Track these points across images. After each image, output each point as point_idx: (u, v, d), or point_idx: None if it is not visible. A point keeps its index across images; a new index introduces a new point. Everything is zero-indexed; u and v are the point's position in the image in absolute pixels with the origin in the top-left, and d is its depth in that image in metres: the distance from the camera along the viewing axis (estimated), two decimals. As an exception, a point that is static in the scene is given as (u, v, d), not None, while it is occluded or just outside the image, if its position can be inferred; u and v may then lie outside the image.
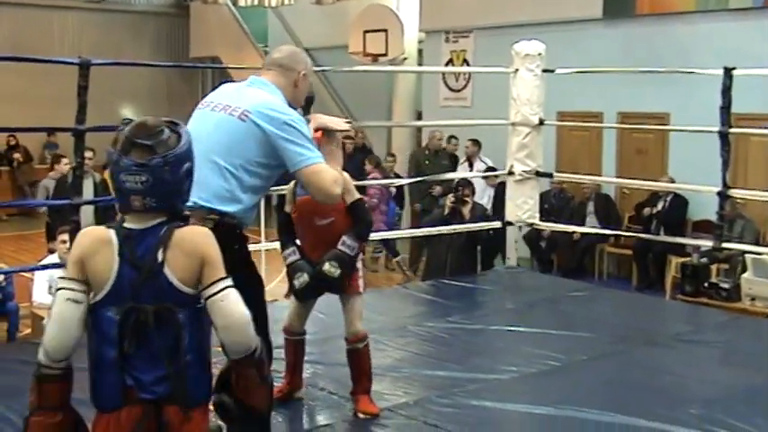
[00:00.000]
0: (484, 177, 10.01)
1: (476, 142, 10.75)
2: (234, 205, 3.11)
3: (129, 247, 2.45)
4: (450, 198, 7.46)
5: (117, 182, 2.47)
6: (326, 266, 3.81)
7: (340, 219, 3.87)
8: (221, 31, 16.63)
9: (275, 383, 4.18)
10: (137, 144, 2.44)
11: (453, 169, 10.91)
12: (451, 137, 11.53)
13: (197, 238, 2.51)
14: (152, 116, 2.55)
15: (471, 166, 10.76)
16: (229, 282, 2.49)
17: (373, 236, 8.37)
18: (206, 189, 3.06)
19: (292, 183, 3.94)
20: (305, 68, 3.42)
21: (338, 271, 3.81)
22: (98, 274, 2.45)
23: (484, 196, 10.22)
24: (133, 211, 2.47)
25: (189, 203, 2.96)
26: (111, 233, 2.47)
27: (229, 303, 2.47)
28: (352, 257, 3.88)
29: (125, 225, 2.48)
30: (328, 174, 3.21)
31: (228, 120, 3.16)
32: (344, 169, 3.98)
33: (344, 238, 3.85)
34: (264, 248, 7.05)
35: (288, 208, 3.99)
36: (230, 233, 3.08)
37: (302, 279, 3.86)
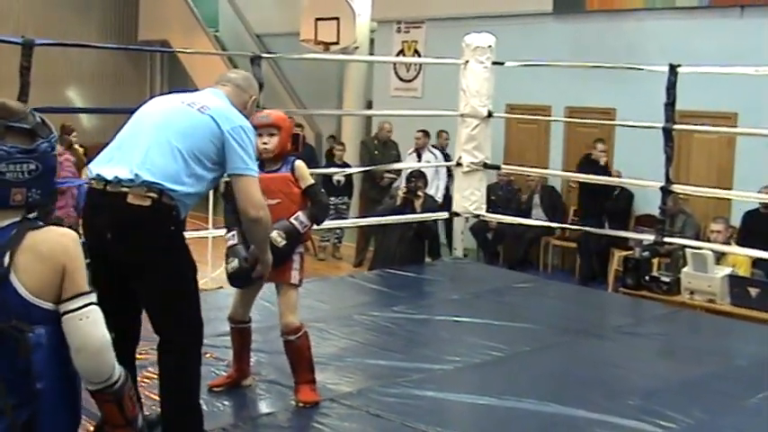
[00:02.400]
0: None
1: (425, 133, 10.77)
2: (177, 186, 3.10)
3: None
4: (403, 189, 7.46)
5: None
6: (274, 234, 3.76)
7: (286, 202, 3.89)
8: (171, 14, 16.40)
9: (222, 372, 4.20)
10: (13, 129, 2.10)
11: (399, 160, 10.94)
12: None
13: (58, 240, 2.14)
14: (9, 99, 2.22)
15: (420, 156, 10.78)
16: (93, 298, 2.15)
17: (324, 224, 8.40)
18: (152, 165, 3.08)
19: None
20: (255, 94, 3.56)
21: (284, 242, 3.82)
22: None
23: (432, 186, 10.25)
24: (5, 208, 2.12)
25: (130, 177, 3.00)
26: None
27: (88, 324, 2.11)
28: (300, 235, 3.90)
29: None
30: (260, 194, 3.30)
31: (188, 110, 3.25)
32: (299, 157, 4.03)
33: (299, 213, 3.88)
34: (212, 236, 7.01)
35: None
36: (167, 213, 3.08)
37: (232, 264, 3.81)
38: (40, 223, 2.17)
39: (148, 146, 3.12)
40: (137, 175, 3.03)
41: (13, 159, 2.08)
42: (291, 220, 3.86)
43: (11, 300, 2.07)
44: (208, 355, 4.44)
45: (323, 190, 4.15)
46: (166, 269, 3.00)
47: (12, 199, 2.11)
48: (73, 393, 2.19)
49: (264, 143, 3.86)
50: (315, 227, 4.11)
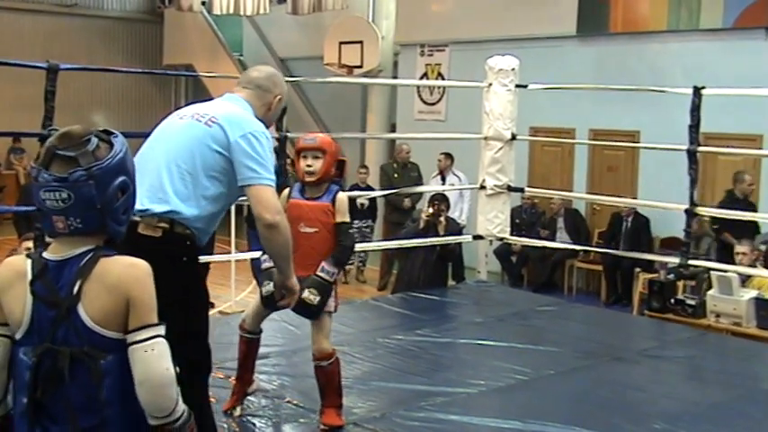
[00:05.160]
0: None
1: (449, 156, 10.77)
2: (189, 210, 2.98)
3: (44, 281, 2.13)
4: (426, 212, 7.42)
5: (37, 201, 2.15)
6: (306, 294, 3.77)
7: (323, 232, 3.87)
8: (196, 38, 16.58)
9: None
10: (58, 156, 2.13)
11: (420, 182, 10.94)
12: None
13: (125, 271, 2.15)
14: (80, 125, 2.24)
15: (444, 179, 10.78)
16: (160, 330, 2.16)
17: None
18: (162, 192, 2.97)
19: (286, 190, 3.94)
20: (281, 92, 3.39)
21: (318, 298, 3.80)
22: (13, 313, 2.16)
23: (456, 210, 10.24)
24: (59, 234, 2.16)
25: (140, 208, 2.85)
26: (28, 265, 2.16)
27: (152, 357, 2.12)
28: (332, 284, 3.87)
29: (44, 255, 2.17)
30: (275, 199, 3.08)
31: (194, 125, 3.09)
32: (342, 188, 4.01)
33: (324, 264, 3.83)
34: (234, 259, 7.04)
35: None
36: (180, 243, 2.97)
37: (268, 288, 3.81)
38: (113, 252, 2.19)
39: (157, 173, 3.01)
40: (146, 207, 2.93)
41: (49, 187, 2.11)
42: (318, 273, 3.81)
43: (80, 328, 2.11)
44: (231, 379, 4.46)
45: (351, 230, 4.10)
46: (177, 301, 2.77)
47: (55, 226, 2.14)
48: (140, 424, 2.18)
49: (309, 165, 3.85)
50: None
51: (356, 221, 11.18)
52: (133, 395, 2.14)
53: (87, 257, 2.14)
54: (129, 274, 2.15)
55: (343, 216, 3.92)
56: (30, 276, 2.14)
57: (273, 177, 3.09)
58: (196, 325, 3.07)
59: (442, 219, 7.34)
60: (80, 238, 2.16)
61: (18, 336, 2.16)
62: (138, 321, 2.13)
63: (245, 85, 3.35)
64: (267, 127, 3.27)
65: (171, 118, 3.25)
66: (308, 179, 3.89)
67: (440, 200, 7.50)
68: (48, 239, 2.31)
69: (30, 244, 6.34)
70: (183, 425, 2.18)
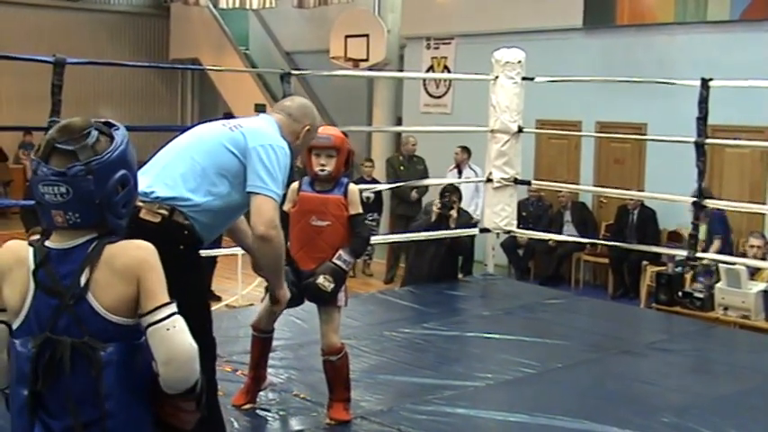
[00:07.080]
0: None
1: (465, 149, 10.71)
2: (193, 199, 3.04)
3: (47, 269, 2.09)
4: (437, 204, 7.35)
5: (36, 194, 2.12)
6: (321, 279, 3.80)
7: (336, 225, 3.88)
8: (202, 32, 16.57)
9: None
10: (57, 149, 2.09)
11: (426, 175, 10.91)
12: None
13: (132, 254, 2.13)
14: (81, 117, 2.19)
15: (460, 173, 10.74)
16: (175, 308, 2.14)
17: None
18: (170, 178, 3.05)
19: (296, 183, 3.95)
20: (311, 124, 3.48)
21: (332, 285, 3.82)
22: (11, 300, 2.12)
23: (471, 204, 10.22)
24: (59, 228, 2.13)
25: (147, 190, 2.95)
26: (29, 252, 2.13)
27: (176, 334, 2.10)
28: (346, 272, 3.89)
29: (46, 244, 2.14)
30: (274, 213, 3.15)
31: (219, 128, 3.24)
32: (352, 181, 4.03)
33: (341, 252, 3.85)
34: (241, 253, 7.03)
35: (286, 207, 3.94)
36: (177, 232, 3.00)
37: None
38: (116, 238, 2.16)
39: (172, 160, 3.11)
40: (152, 190, 3.00)
41: (48, 181, 2.08)
42: (335, 260, 3.84)
43: (87, 317, 2.08)
44: (238, 372, 4.47)
45: (367, 221, 4.11)
46: (172, 285, 2.88)
47: (54, 220, 2.11)
48: (143, 413, 2.17)
49: (322, 164, 3.85)
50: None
51: (362, 215, 11.17)
52: (134, 386, 2.12)
53: (93, 245, 2.11)
54: (136, 256, 2.13)
55: (357, 207, 3.93)
56: (32, 265, 2.11)
57: (280, 192, 3.19)
58: (192, 311, 3.07)
59: (453, 212, 7.23)
60: (80, 230, 2.14)
61: (16, 325, 2.12)
62: (153, 302, 2.10)
63: (278, 111, 3.48)
64: (294, 157, 3.36)
65: (201, 125, 3.39)
66: (321, 178, 3.89)
67: (451, 191, 7.42)
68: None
69: (37, 237, 6.33)
70: (201, 392, 2.17)
